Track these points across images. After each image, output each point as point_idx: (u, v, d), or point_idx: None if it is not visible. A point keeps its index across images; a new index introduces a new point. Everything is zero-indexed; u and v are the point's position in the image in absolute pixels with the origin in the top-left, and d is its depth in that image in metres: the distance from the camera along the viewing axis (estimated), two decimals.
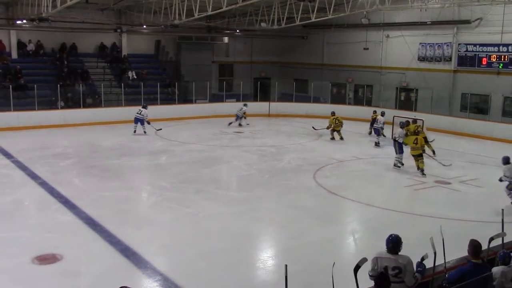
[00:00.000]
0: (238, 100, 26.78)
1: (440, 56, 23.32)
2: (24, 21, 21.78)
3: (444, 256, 5.44)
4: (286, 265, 4.52)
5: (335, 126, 18.89)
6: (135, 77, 25.32)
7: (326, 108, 25.67)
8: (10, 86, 21.02)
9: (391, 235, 5.35)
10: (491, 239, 5.85)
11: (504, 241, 6.11)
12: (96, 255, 8.15)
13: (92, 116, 21.65)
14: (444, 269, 5.46)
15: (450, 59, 22.89)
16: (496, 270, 5.19)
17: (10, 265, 7.68)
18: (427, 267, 5.34)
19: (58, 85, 21.93)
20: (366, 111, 23.52)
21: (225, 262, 7.97)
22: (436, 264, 5.32)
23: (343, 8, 21.74)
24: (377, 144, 17.76)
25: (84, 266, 7.72)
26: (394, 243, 5.28)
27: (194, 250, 8.42)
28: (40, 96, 21.47)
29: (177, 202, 11.12)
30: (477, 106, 22.32)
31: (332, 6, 21.76)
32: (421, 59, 24.07)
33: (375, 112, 20.01)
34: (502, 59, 20.86)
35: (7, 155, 15.51)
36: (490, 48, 21.27)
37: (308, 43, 29.80)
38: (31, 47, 24.22)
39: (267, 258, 8.36)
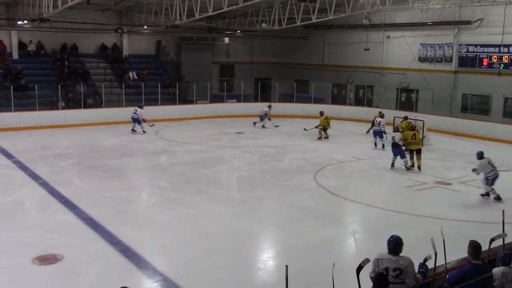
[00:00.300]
0: (238, 101, 26.87)
1: (441, 57, 23.31)
2: (25, 21, 21.80)
3: (445, 256, 5.43)
4: (286, 266, 4.52)
5: (326, 125, 18.95)
6: (136, 77, 25.34)
7: (328, 108, 25.68)
8: (11, 86, 21.05)
9: (392, 236, 5.34)
10: (492, 240, 5.84)
11: (505, 242, 6.10)
12: (96, 255, 8.15)
13: (92, 117, 21.68)
14: (444, 270, 5.45)
15: (451, 59, 22.88)
16: (496, 271, 5.18)
17: (11, 265, 7.68)
18: (428, 267, 5.34)
19: (59, 86, 21.94)
20: (366, 112, 23.54)
21: (226, 263, 7.97)
22: (437, 265, 5.32)
23: (343, 8, 21.74)
24: (376, 145, 17.65)
25: (85, 267, 7.71)
26: (395, 244, 5.27)
27: (194, 250, 8.42)
28: (41, 96, 21.49)
29: (177, 202, 11.12)
30: (478, 107, 22.30)
31: (333, 6, 21.76)
32: (422, 59, 24.06)
33: (380, 113, 19.32)
34: (503, 60, 20.85)
35: (8, 155, 15.52)
36: (491, 49, 21.25)
37: (309, 44, 29.80)
38: (32, 47, 24.25)
39: (267, 259, 8.36)
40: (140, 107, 19.95)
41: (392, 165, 14.47)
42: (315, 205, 11.21)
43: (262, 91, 26.91)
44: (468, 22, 21.85)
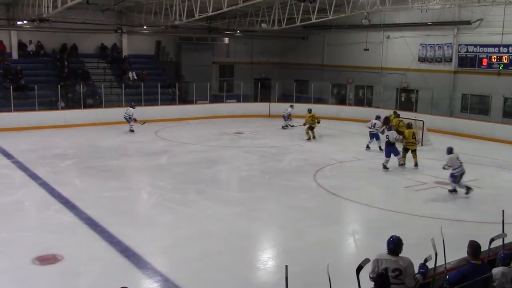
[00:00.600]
0: (238, 101, 26.86)
1: (440, 57, 23.31)
2: (25, 21, 21.79)
3: (445, 257, 5.44)
4: (286, 266, 4.52)
5: (312, 124, 18.87)
6: (136, 77, 25.33)
7: (327, 108, 25.75)
8: (11, 86, 21.03)
9: (392, 237, 5.34)
10: (492, 240, 5.85)
11: (505, 242, 6.11)
12: (96, 255, 8.16)
13: (92, 117, 21.68)
14: (444, 270, 5.46)
15: (451, 60, 22.89)
16: (496, 271, 5.19)
17: (11, 265, 7.69)
18: (428, 268, 5.34)
19: (59, 86, 21.93)
20: (366, 112, 23.55)
21: (226, 263, 7.97)
22: (437, 265, 5.32)
23: (343, 9, 21.74)
24: (368, 147, 17.32)
25: (85, 267, 7.72)
26: (395, 245, 5.27)
27: (194, 250, 8.43)
28: (40, 96, 21.49)
29: (177, 202, 11.13)
30: (478, 107, 22.31)
31: (333, 7, 21.75)
32: (422, 60, 24.06)
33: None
34: (503, 60, 20.84)
35: (8, 155, 15.52)
36: (491, 49, 21.26)
37: (309, 44, 29.81)
38: (31, 47, 24.23)
39: (267, 259, 8.36)
40: (132, 106, 20.18)
41: (384, 167, 14.43)
42: (315, 205, 11.21)
43: (261, 91, 26.92)
44: (468, 22, 21.85)
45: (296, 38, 29.57)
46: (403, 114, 19.45)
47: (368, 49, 26.48)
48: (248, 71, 30.30)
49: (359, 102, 26.87)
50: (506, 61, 20.73)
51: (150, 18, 23.69)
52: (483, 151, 17.47)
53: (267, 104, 25.86)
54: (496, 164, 15.72)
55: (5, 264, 7.71)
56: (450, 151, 12.05)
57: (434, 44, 23.49)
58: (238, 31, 27.55)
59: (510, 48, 20.59)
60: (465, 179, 13.36)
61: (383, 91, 25.45)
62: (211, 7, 18.60)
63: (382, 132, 17.19)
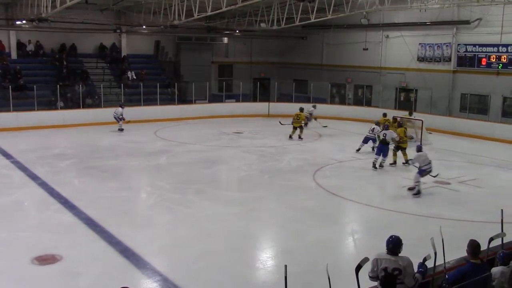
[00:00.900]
0: (237, 101, 26.85)
1: (439, 57, 23.32)
2: (24, 21, 21.75)
3: (444, 256, 5.44)
4: (285, 266, 4.53)
5: (294, 122, 18.80)
6: (135, 77, 25.32)
7: (327, 108, 25.76)
8: (10, 86, 21.01)
9: (391, 236, 5.34)
10: (491, 239, 5.85)
11: (504, 242, 6.11)
12: (95, 255, 8.15)
13: (91, 117, 21.66)
14: (444, 269, 5.46)
15: (450, 59, 22.90)
16: (495, 270, 5.19)
17: (10, 265, 7.69)
18: (427, 267, 5.34)
19: (58, 86, 21.94)
20: (366, 112, 23.57)
21: (225, 263, 7.97)
22: (436, 264, 5.33)
23: (342, 8, 21.75)
24: (359, 150, 16.76)
25: (84, 267, 7.71)
26: (394, 244, 5.26)
27: (193, 250, 8.42)
28: (39, 96, 21.48)
29: (176, 202, 11.12)
30: (477, 107, 22.33)
31: (332, 6, 21.75)
32: (421, 59, 24.07)
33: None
34: (502, 60, 20.86)
35: (7, 155, 15.51)
36: (490, 49, 21.27)
37: (308, 44, 29.81)
38: (30, 47, 24.21)
39: (266, 259, 8.37)
40: (121, 106, 20.33)
41: (374, 165, 14.42)
42: (315, 205, 11.22)
43: (261, 91, 26.92)
44: (467, 22, 21.86)
45: (295, 37, 29.58)
46: (403, 114, 19.46)
47: (367, 49, 26.48)
48: (247, 71, 30.30)
49: (358, 102, 26.88)
50: (505, 60, 20.74)
51: (149, 18, 23.68)
52: (482, 151, 17.49)
53: (266, 104, 25.86)
54: (495, 163, 15.73)
55: (4, 264, 7.71)
56: (419, 149, 12.17)
57: (433, 44, 23.50)
58: (237, 31, 27.54)
59: (509, 48, 20.60)
60: (464, 179, 13.41)
61: (382, 91, 25.46)
62: (210, 7, 18.59)
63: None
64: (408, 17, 24.06)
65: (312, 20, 22.13)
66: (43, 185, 12.19)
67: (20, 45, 24.04)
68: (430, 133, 19.31)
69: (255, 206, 11.06)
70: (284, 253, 8.50)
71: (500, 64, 20.92)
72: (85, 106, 22.57)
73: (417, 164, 11.92)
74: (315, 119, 21.72)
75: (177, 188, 12.25)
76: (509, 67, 20.67)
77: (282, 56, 31.41)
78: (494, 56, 21.07)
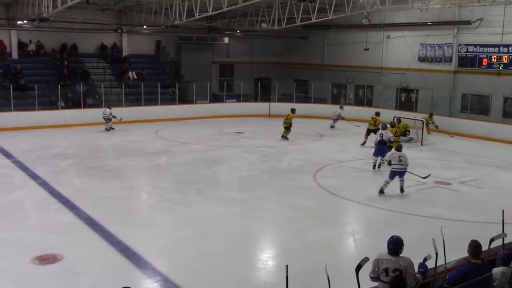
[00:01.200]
0: (238, 101, 26.86)
1: (440, 57, 23.30)
2: (25, 21, 21.79)
3: (445, 256, 5.44)
4: (287, 266, 4.52)
5: (283, 123, 18.84)
6: (136, 77, 25.33)
7: (327, 108, 25.76)
8: (11, 86, 21.03)
9: (392, 237, 5.33)
10: (492, 239, 5.85)
11: (505, 242, 6.11)
12: (96, 255, 8.15)
13: (92, 117, 21.64)
14: (444, 270, 5.46)
15: (451, 59, 22.87)
16: (496, 270, 5.19)
17: (11, 265, 7.69)
18: (428, 267, 5.34)
19: (59, 85, 21.93)
20: (366, 112, 23.50)
21: (225, 263, 7.97)
22: (437, 264, 5.32)
23: (343, 8, 21.73)
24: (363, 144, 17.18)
25: (84, 266, 7.71)
26: (395, 245, 5.26)
27: (194, 250, 8.42)
28: (40, 96, 21.50)
29: (177, 202, 11.12)
30: (478, 107, 22.30)
31: (333, 6, 21.75)
32: (422, 59, 24.05)
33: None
34: (503, 60, 20.83)
35: (8, 155, 15.52)
36: (491, 49, 21.25)
37: (309, 44, 29.80)
38: (31, 47, 24.23)
39: (267, 259, 8.36)
40: (109, 107, 20.41)
41: (374, 167, 14.44)
42: (315, 205, 11.21)
43: (261, 91, 26.92)
44: (468, 22, 21.85)
45: (296, 37, 29.57)
46: (403, 114, 19.47)
47: (368, 49, 26.47)
48: (248, 70, 30.29)
49: (359, 102, 26.86)
50: (506, 61, 20.71)
51: (150, 17, 23.68)
52: (483, 151, 17.48)
53: (267, 104, 25.86)
54: (496, 164, 15.72)
55: (5, 264, 7.71)
56: (398, 148, 11.92)
57: (434, 44, 23.48)
58: (238, 31, 27.55)
59: (510, 48, 20.58)
60: (465, 180, 13.40)
61: (383, 91, 25.44)
62: (211, 7, 18.59)
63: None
64: (409, 17, 24.04)
65: (313, 20, 22.11)
66: (44, 184, 12.19)
67: (21, 45, 24.06)
68: (452, 136, 19.43)
69: (255, 206, 11.06)
70: (284, 253, 8.50)
71: (501, 65, 20.90)
72: (86, 106, 22.57)
73: (390, 161, 11.70)
74: (343, 118, 21.56)
75: (178, 188, 12.25)
76: (510, 68, 20.64)
77: (283, 56, 31.40)
78: (495, 56, 21.05)
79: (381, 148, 14.39)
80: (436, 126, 20.33)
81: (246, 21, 25.91)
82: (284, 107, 25.34)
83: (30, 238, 8.83)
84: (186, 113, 24.06)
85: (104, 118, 20.16)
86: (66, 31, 23.88)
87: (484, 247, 5.65)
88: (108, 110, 20.24)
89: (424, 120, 19.63)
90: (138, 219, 10.16)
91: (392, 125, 15.68)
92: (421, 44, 24.00)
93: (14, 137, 18.45)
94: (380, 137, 14.48)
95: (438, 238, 5.36)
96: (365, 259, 4.99)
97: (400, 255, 5.25)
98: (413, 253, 5.41)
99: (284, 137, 18.84)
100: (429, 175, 12.30)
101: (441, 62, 23.28)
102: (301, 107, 25.54)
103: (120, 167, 14.52)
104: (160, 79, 25.96)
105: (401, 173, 11.66)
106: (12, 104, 20.52)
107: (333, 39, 28.26)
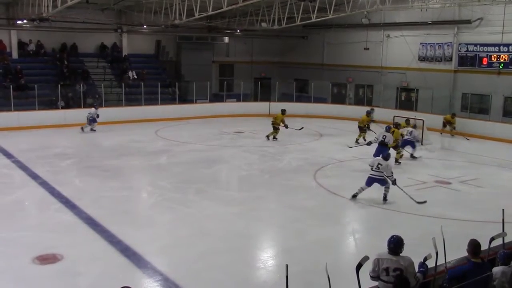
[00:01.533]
0: (238, 100, 26.86)
1: (440, 56, 23.30)
2: (25, 21, 21.77)
3: (445, 256, 5.44)
4: (286, 265, 4.52)
5: (272, 123, 18.83)
6: (136, 77, 25.33)
7: (327, 107, 25.77)
8: (11, 86, 21.02)
9: (392, 236, 5.33)
10: (492, 239, 5.85)
11: (505, 241, 6.10)
12: (96, 255, 8.15)
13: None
14: (445, 269, 5.46)
15: (451, 59, 22.87)
16: (496, 270, 5.19)
17: (11, 265, 7.68)
18: (428, 267, 5.34)
19: (59, 85, 21.93)
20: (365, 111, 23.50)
21: (226, 262, 7.97)
22: (437, 264, 5.32)
23: (343, 8, 21.73)
24: (414, 157, 16.06)
25: (85, 266, 7.71)
26: (395, 244, 5.26)
27: (194, 250, 8.42)
28: (40, 96, 21.49)
29: (177, 202, 11.12)
30: (478, 106, 22.29)
31: (333, 6, 21.74)
32: (422, 59, 24.05)
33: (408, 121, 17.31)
34: (503, 59, 20.83)
35: (8, 155, 15.52)
36: (491, 48, 21.24)
37: (309, 43, 29.79)
38: (31, 47, 24.23)
39: (267, 258, 8.36)
40: (94, 106, 20.16)
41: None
42: (315, 204, 11.21)
43: (261, 91, 26.91)
44: (468, 22, 21.84)
45: (296, 37, 29.55)
46: (403, 113, 19.45)
47: (368, 48, 26.46)
48: (248, 70, 30.28)
49: (359, 102, 26.85)
50: (506, 60, 20.72)
51: (150, 17, 23.67)
52: (483, 151, 17.48)
53: (267, 103, 25.84)
54: (496, 163, 15.72)
55: (5, 264, 7.70)
56: (385, 156, 11.24)
57: (434, 43, 23.47)
58: (238, 30, 27.54)
59: (510, 47, 20.58)
60: (465, 179, 13.41)
61: (383, 90, 25.44)
62: (211, 7, 18.58)
63: (418, 141, 16.17)
64: (409, 17, 24.03)
65: (313, 20, 22.11)
66: (44, 184, 12.18)
67: (21, 45, 24.06)
68: (467, 139, 19.43)
69: (255, 205, 11.05)
70: (284, 253, 8.50)
71: (501, 64, 20.89)
72: (86, 105, 22.54)
73: (371, 167, 11.18)
74: (374, 121, 21.18)
75: (178, 188, 12.24)
76: (510, 67, 20.64)
77: (283, 55, 31.39)
78: (495, 55, 21.05)
79: (382, 149, 13.99)
80: (454, 128, 20.11)
81: (246, 20, 25.90)
82: (284, 107, 25.38)
83: (30, 238, 8.82)
84: (186, 113, 24.06)
85: (88, 118, 19.69)
86: (66, 31, 23.88)
87: (484, 246, 5.65)
88: (93, 109, 19.88)
89: (444, 121, 19.77)
90: (138, 219, 10.15)
91: (397, 126, 15.59)
92: (421, 43, 23.99)
93: (14, 137, 18.45)
94: (382, 138, 14.37)
95: (438, 238, 5.35)
96: (365, 258, 4.99)
97: (401, 254, 5.25)
98: (413, 253, 5.40)
99: (268, 136, 18.58)
100: (425, 201, 11.15)
101: (441, 62, 23.27)
102: (301, 107, 25.67)
103: (120, 167, 14.51)
104: (160, 78, 25.96)
105: (380, 181, 10.98)
106: (12, 104, 20.52)
107: (333, 39, 28.24)
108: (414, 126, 16.89)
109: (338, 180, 13.45)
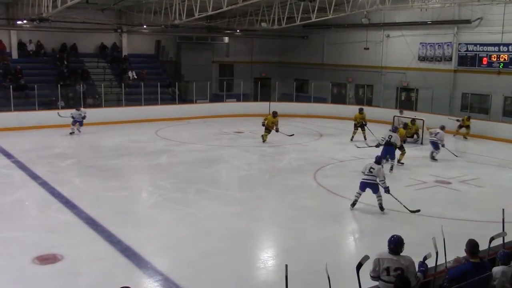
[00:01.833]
0: (238, 100, 26.86)
1: (440, 56, 23.30)
2: (25, 21, 21.79)
3: (445, 256, 5.44)
4: (286, 265, 4.52)
5: (262, 124, 18.61)
6: (136, 77, 25.32)
7: (327, 107, 25.76)
8: (11, 86, 21.02)
9: (393, 236, 5.33)
10: (492, 238, 5.84)
11: (505, 241, 6.10)
12: (96, 255, 8.15)
13: (92, 116, 21.60)
14: (445, 269, 5.46)
15: (451, 58, 22.87)
16: (496, 270, 5.18)
17: (11, 265, 7.68)
18: (428, 266, 5.34)
19: (59, 85, 21.92)
20: (366, 111, 23.45)
21: (226, 262, 7.97)
22: (438, 264, 5.32)
23: (343, 8, 21.73)
24: (434, 158, 15.89)
25: (85, 266, 7.71)
26: (396, 244, 5.26)
27: (194, 250, 8.42)
28: (40, 96, 21.50)
29: (177, 202, 11.12)
30: (478, 106, 22.29)
31: (332, 6, 21.74)
32: (422, 59, 24.05)
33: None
34: (503, 59, 20.83)
35: (8, 155, 15.52)
36: (491, 48, 21.24)
37: (309, 43, 29.79)
38: (31, 47, 24.23)
39: (267, 258, 8.36)
40: (77, 109, 19.75)
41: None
42: (315, 204, 11.21)
43: (261, 91, 26.91)
44: (468, 21, 21.84)
45: (296, 37, 29.55)
46: (403, 113, 19.43)
47: (368, 48, 26.46)
48: (248, 70, 30.29)
49: (359, 101, 26.83)
50: (506, 60, 20.72)
51: (150, 17, 23.68)
52: (483, 150, 17.48)
53: (267, 103, 25.77)
54: (496, 163, 15.72)
55: (5, 264, 7.70)
56: (378, 160, 10.87)
57: (434, 43, 23.47)
58: (238, 30, 27.55)
59: (510, 47, 20.58)
60: (465, 179, 13.42)
61: (383, 90, 25.44)
62: (211, 7, 18.59)
63: (443, 145, 15.81)
64: (409, 17, 24.03)
65: (313, 20, 22.12)
66: (44, 184, 12.18)
67: (21, 45, 24.06)
68: (465, 138, 19.39)
69: (255, 205, 11.06)
70: (284, 253, 8.50)
71: (501, 64, 20.89)
72: (86, 105, 22.53)
73: (363, 172, 10.79)
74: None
75: (178, 188, 12.24)
76: (510, 67, 20.64)
77: (283, 55, 31.40)
78: (495, 55, 21.05)
79: (388, 149, 13.95)
80: (468, 129, 19.84)
81: (246, 20, 25.91)
82: (284, 107, 25.40)
83: (30, 238, 8.82)
84: (186, 113, 24.06)
85: (77, 120, 19.29)
86: (66, 31, 23.88)
87: (484, 246, 5.65)
88: (83, 109, 19.63)
89: (460, 122, 19.72)
90: (138, 219, 10.15)
91: (404, 126, 15.63)
92: (421, 43, 23.99)
93: (14, 137, 18.44)
94: (389, 138, 14.20)
95: (439, 237, 5.36)
96: (365, 257, 4.99)
97: (401, 254, 5.25)
98: (413, 252, 5.40)
99: (263, 137, 18.36)
100: (418, 210, 10.49)
101: (441, 61, 23.27)
102: (301, 107, 25.68)
103: (120, 167, 14.51)
104: (160, 78, 25.96)
105: (372, 186, 10.49)
106: (12, 104, 20.52)
107: (333, 39, 28.24)
108: (443, 128, 16.18)
109: (338, 180, 13.45)
